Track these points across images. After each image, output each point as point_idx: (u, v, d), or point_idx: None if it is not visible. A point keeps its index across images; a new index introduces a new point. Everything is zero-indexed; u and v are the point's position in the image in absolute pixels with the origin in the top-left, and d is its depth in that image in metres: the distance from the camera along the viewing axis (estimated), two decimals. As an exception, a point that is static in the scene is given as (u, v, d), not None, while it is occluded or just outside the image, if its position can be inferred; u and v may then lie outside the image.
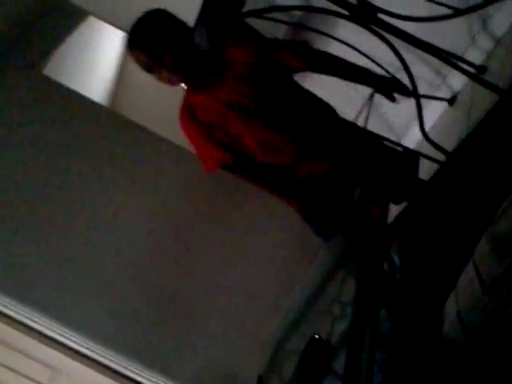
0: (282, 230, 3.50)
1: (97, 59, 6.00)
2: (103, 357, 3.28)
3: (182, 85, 2.19)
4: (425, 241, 2.35)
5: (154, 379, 3.30)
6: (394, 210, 2.78)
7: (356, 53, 3.08)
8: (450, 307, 1.47)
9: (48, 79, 3.98)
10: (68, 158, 3.62)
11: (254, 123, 2.13)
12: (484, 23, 3.00)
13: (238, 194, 3.57)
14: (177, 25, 2.09)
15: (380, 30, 2.58)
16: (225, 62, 2.15)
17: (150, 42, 2.02)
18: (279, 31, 3.15)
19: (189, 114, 2.16)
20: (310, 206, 2.24)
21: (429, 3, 2.76)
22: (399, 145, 2.85)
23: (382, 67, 3.07)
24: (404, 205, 2.63)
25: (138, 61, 2.06)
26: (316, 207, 2.24)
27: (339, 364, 1.37)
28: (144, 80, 6.56)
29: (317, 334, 1.57)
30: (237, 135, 2.14)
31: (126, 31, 2.12)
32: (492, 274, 1.32)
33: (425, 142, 2.89)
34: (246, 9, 2.79)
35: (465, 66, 2.83)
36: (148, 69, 2.06)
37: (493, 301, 1.28)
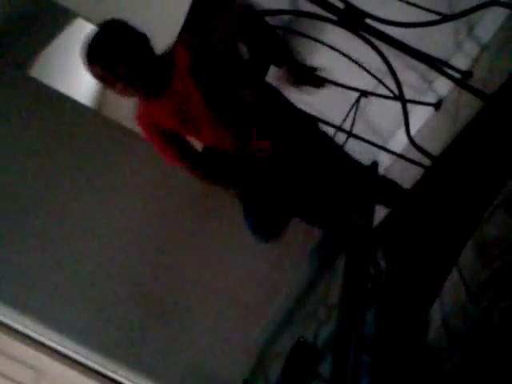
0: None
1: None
2: (88, 359, 3.27)
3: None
4: (410, 245, 2.36)
5: (139, 381, 3.30)
6: (380, 215, 2.80)
7: (343, 57, 3.09)
8: (435, 313, 1.47)
9: (34, 80, 3.97)
10: (54, 161, 3.60)
11: (207, 121, 2.19)
12: (470, 29, 3.03)
13: (225, 202, 3.57)
14: (132, 36, 2.10)
15: (367, 35, 2.59)
16: (172, 66, 2.16)
17: (105, 54, 2.03)
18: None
19: (148, 122, 2.24)
20: (251, 195, 2.29)
21: (416, 9, 2.77)
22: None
23: (370, 72, 3.08)
24: (389, 210, 2.65)
25: (94, 74, 2.07)
26: (258, 198, 2.29)
27: (325, 368, 1.37)
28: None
29: (302, 337, 1.57)
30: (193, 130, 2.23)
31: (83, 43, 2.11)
32: (477, 280, 1.32)
33: (410, 147, 2.90)
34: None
35: (451, 72, 2.85)
36: (104, 81, 2.07)
37: (478, 307, 1.29)
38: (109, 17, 3.56)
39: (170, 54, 2.20)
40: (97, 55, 2.03)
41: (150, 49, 2.15)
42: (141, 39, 2.11)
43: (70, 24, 4.51)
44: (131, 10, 3.40)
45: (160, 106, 2.18)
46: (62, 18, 4.37)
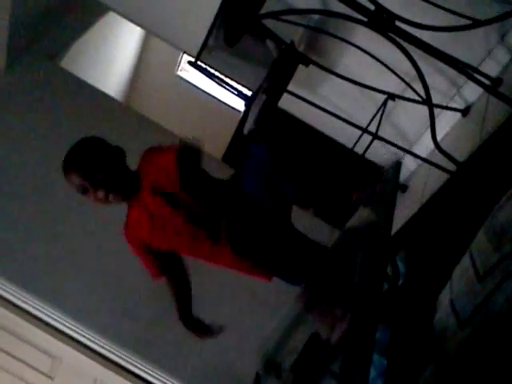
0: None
1: (114, 54, 6.03)
2: (104, 348, 3.30)
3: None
4: (429, 249, 2.35)
5: (153, 373, 3.32)
6: (400, 219, 2.79)
7: (372, 59, 3.09)
8: (444, 296, 1.48)
9: (65, 71, 4.02)
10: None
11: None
12: (502, 36, 3.00)
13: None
14: (108, 148, 2.21)
15: (397, 38, 2.58)
16: (140, 180, 2.24)
17: (85, 162, 2.13)
18: (296, 34, 3.16)
19: (129, 229, 2.31)
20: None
21: (447, 13, 2.76)
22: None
23: (398, 75, 3.07)
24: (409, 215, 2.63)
25: (74, 183, 2.14)
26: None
27: (337, 365, 1.37)
28: (159, 77, 6.61)
29: (317, 332, 1.57)
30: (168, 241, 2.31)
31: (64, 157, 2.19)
32: (487, 263, 1.33)
33: (436, 152, 2.88)
34: (263, 10, 2.80)
35: (480, 78, 2.83)
36: (84, 190, 2.13)
37: (485, 289, 1.30)
38: (139, 12, 3.62)
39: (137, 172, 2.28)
40: (76, 164, 2.13)
41: (123, 159, 2.25)
42: (115, 151, 2.22)
43: (101, 17, 4.57)
44: (162, 4, 3.44)
45: (134, 213, 2.28)
46: (93, 11, 4.43)
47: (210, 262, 2.39)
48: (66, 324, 3.29)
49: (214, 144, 4.98)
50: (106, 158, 2.16)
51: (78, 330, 3.30)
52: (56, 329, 3.29)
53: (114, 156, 2.20)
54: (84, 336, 3.30)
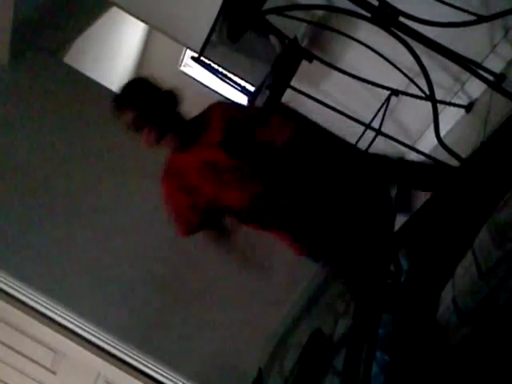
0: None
1: (117, 50, 6.03)
2: (107, 343, 3.31)
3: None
4: (432, 245, 2.35)
5: (156, 368, 3.33)
6: (403, 216, 2.78)
7: (375, 55, 3.08)
8: (446, 293, 1.48)
9: (68, 67, 4.02)
10: (84, 146, 3.65)
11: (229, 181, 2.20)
12: (506, 32, 2.99)
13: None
14: (163, 90, 2.18)
15: (401, 34, 2.57)
16: (206, 124, 2.21)
17: (142, 101, 2.09)
18: (300, 30, 3.16)
19: (173, 176, 2.25)
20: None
21: (451, 8, 2.75)
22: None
23: (401, 71, 3.06)
24: (411, 212, 2.63)
25: (127, 121, 2.10)
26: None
27: (339, 362, 1.37)
28: (163, 73, 6.61)
29: (319, 328, 1.57)
30: (217, 193, 2.22)
31: (119, 88, 2.17)
32: (489, 260, 1.33)
33: (439, 148, 2.87)
34: (267, 6, 2.79)
35: (484, 74, 2.82)
36: (137, 128, 2.09)
37: (487, 286, 1.30)
38: (142, 7, 3.62)
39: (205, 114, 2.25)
40: (132, 101, 2.09)
41: (177, 103, 2.21)
42: (171, 93, 2.19)
43: (105, 13, 4.56)
44: (166, 1, 3.44)
45: (189, 157, 2.21)
46: (97, 7, 4.42)
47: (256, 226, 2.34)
48: (69, 319, 3.29)
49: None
50: (162, 97, 2.14)
51: (80, 325, 3.31)
52: (59, 323, 3.29)
53: (169, 97, 2.16)
54: (87, 331, 3.30)
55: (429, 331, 1.45)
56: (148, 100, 2.09)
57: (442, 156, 2.92)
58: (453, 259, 1.56)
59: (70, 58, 4.22)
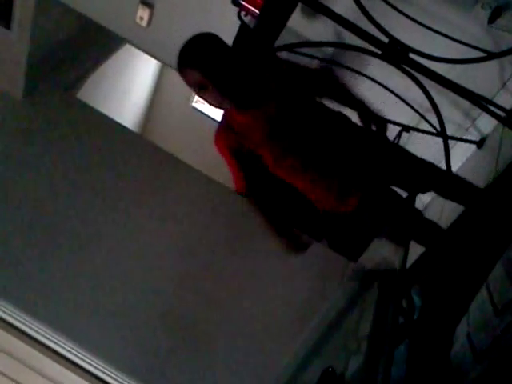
0: (301, 262, 3.49)
1: (130, 86, 6.10)
2: (111, 377, 3.27)
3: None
4: (445, 282, 2.33)
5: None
6: (417, 252, 2.76)
7: (386, 91, 3.09)
8: (461, 329, 1.46)
9: (81, 103, 4.07)
10: (96, 180, 3.67)
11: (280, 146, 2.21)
12: (516, 68, 3.00)
13: (260, 225, 3.58)
14: (227, 48, 2.13)
15: (411, 70, 2.58)
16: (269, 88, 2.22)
17: (207, 61, 2.04)
18: (311, 66, 3.18)
19: (227, 133, 2.21)
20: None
21: (461, 45, 2.76)
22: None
23: (412, 107, 3.07)
24: (423, 248, 2.61)
25: (190, 80, 2.09)
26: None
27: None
28: (175, 109, 6.65)
29: (331, 367, 1.54)
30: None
31: (179, 50, 2.15)
32: (504, 296, 1.31)
33: (451, 184, 2.86)
34: (278, 43, 2.83)
35: (495, 110, 2.82)
36: (201, 87, 2.07)
37: (503, 322, 1.27)
38: (155, 43, 3.67)
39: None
40: (198, 60, 2.05)
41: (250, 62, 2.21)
42: (233, 52, 2.14)
43: (118, 50, 4.63)
44: (179, 38, 3.48)
45: (250, 117, 2.19)
46: (111, 44, 4.49)
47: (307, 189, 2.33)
48: (78, 354, 3.26)
49: (229, 175, 4.99)
50: (227, 58, 2.08)
51: (89, 361, 3.28)
52: (67, 359, 3.26)
53: (233, 57, 2.11)
54: (96, 367, 3.27)
55: (443, 369, 1.43)
56: (213, 61, 2.04)
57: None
58: (467, 295, 1.54)
59: (83, 94, 4.27)
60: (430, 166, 2.56)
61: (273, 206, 2.34)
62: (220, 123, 2.26)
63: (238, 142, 2.19)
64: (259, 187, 2.31)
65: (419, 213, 2.67)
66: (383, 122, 2.57)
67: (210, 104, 2.15)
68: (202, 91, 2.10)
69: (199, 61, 2.05)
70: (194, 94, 6.72)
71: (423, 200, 3.59)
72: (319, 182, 2.29)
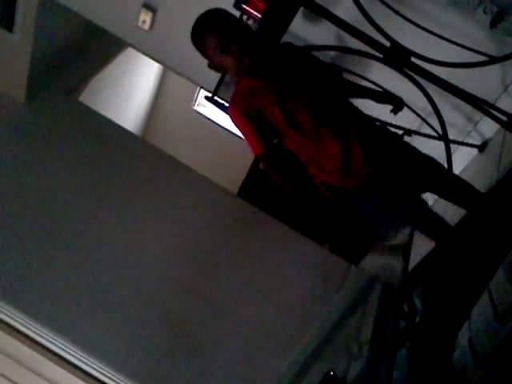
0: (302, 266, 3.49)
1: (132, 89, 6.11)
2: (114, 381, 3.26)
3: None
4: (447, 286, 2.32)
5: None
6: (417, 255, 2.76)
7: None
8: (463, 334, 1.46)
9: (83, 106, 4.07)
10: (97, 183, 3.67)
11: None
12: (518, 72, 3.01)
13: (260, 228, 3.58)
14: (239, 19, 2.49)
15: (413, 74, 2.59)
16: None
17: (222, 25, 2.30)
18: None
19: (242, 98, 2.34)
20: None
21: (463, 49, 2.77)
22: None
23: (414, 111, 3.08)
24: (427, 251, 2.61)
25: (207, 46, 2.32)
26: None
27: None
28: (176, 112, 6.65)
29: (332, 370, 1.54)
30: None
31: (193, 26, 2.37)
32: (506, 301, 1.31)
33: (453, 187, 2.86)
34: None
35: (497, 114, 2.82)
36: (223, 48, 2.29)
37: (504, 327, 1.27)
38: (158, 47, 3.68)
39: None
40: (213, 24, 2.32)
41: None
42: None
43: (120, 53, 4.64)
44: (180, 42, 3.49)
45: (255, 83, 2.34)
46: (113, 47, 4.50)
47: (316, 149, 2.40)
48: (81, 358, 3.26)
49: (230, 178, 4.99)
50: (240, 26, 2.37)
51: (89, 362, 3.27)
52: (67, 361, 3.26)
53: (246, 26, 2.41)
54: (96, 369, 3.26)
55: (445, 373, 1.43)
56: (228, 26, 2.31)
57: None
58: (469, 300, 1.54)
59: (85, 98, 4.28)
60: (435, 164, 2.57)
61: (287, 171, 2.41)
62: (233, 95, 2.39)
63: (251, 105, 2.32)
64: (274, 150, 2.40)
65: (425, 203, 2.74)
66: (400, 100, 2.67)
67: (228, 68, 2.38)
68: (222, 55, 2.31)
69: (217, 24, 2.31)
70: (195, 96, 6.72)
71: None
72: (326, 140, 2.35)
